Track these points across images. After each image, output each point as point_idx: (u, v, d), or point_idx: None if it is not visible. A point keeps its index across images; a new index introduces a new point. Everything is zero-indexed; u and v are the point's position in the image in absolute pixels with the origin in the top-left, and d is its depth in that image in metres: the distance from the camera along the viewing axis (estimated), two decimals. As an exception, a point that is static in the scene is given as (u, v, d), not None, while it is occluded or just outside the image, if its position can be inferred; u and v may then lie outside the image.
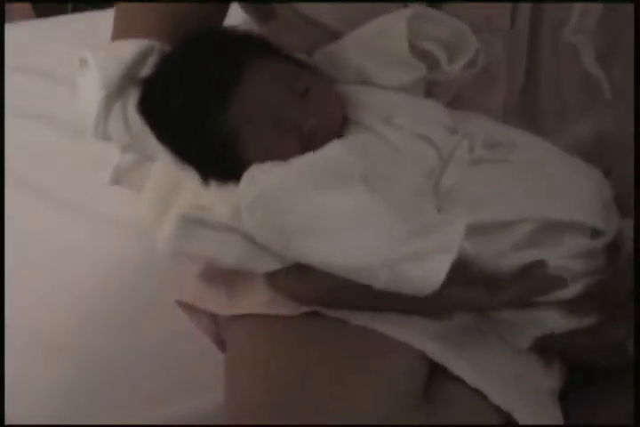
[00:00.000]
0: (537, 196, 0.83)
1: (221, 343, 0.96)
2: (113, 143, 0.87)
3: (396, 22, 0.85)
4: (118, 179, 0.90)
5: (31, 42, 1.57)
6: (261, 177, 0.77)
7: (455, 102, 0.92)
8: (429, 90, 0.90)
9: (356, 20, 0.87)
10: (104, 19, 1.68)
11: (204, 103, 0.80)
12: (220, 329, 0.96)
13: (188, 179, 0.83)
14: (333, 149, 0.79)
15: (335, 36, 0.89)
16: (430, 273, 0.74)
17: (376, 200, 0.77)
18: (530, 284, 0.81)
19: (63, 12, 2.12)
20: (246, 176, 0.79)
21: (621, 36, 0.94)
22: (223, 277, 0.93)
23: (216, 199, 0.81)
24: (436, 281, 0.74)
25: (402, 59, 0.85)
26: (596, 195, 0.88)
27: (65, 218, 1.30)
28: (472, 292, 0.80)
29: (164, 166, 0.86)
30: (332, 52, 0.89)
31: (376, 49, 0.86)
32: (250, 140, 0.80)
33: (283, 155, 0.79)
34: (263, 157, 0.79)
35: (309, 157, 0.78)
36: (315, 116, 0.81)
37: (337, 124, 0.82)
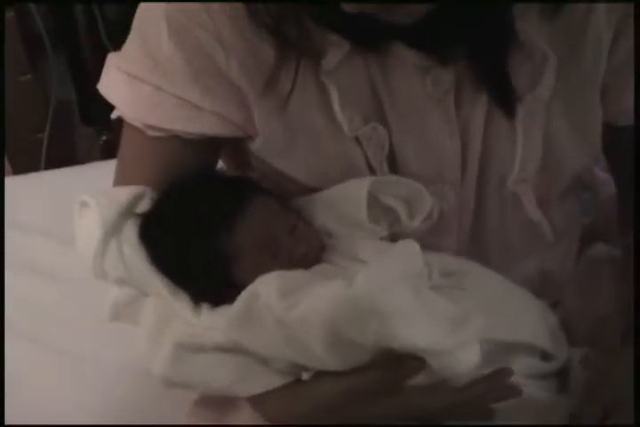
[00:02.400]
0: (487, 319, 0.90)
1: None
2: (109, 279, 0.95)
3: (358, 190, 0.96)
4: (116, 315, 0.97)
5: (9, 198, 1.64)
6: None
7: None
8: (393, 239, 1.00)
9: (325, 176, 0.98)
10: (74, 176, 1.82)
11: (206, 232, 0.91)
12: None
13: (180, 309, 0.91)
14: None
15: (306, 187, 0.99)
16: (471, 358, 0.83)
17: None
18: (491, 386, 0.88)
19: (37, 167, 2.25)
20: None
21: (559, 183, 1.04)
22: (213, 408, 1.00)
23: (210, 321, 0.89)
24: (475, 364, 0.84)
25: (362, 225, 0.97)
26: (543, 320, 0.97)
27: (63, 364, 1.32)
28: (440, 391, 0.88)
29: (156, 299, 0.93)
30: (300, 208, 0.99)
31: (339, 213, 0.97)
32: (247, 267, 0.90)
33: None
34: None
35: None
36: (303, 245, 0.93)
37: (320, 252, 0.93)
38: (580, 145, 1.00)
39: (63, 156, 2.38)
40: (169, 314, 0.92)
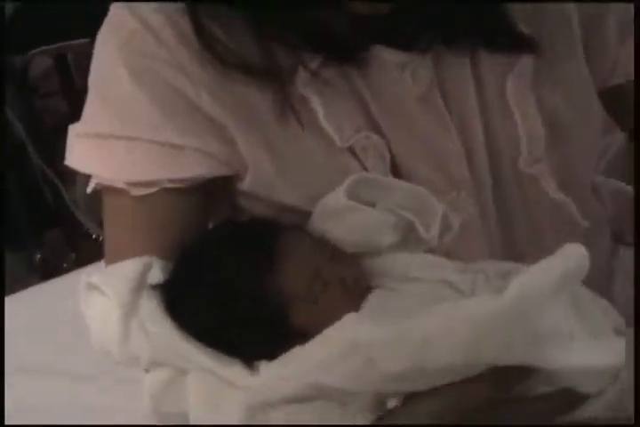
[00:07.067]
0: None
1: None
2: (142, 363, 0.85)
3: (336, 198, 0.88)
4: (157, 406, 0.85)
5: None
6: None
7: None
8: None
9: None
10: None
11: (249, 282, 0.82)
12: None
13: (232, 375, 0.81)
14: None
15: (306, 216, 0.91)
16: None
17: None
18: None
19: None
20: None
21: (574, 161, 1.00)
22: None
23: (272, 375, 0.80)
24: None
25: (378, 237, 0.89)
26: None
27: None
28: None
29: (200, 374, 0.83)
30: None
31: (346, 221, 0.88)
32: (302, 308, 0.82)
33: (335, 311, 0.80)
34: (315, 320, 0.80)
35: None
36: (351, 269, 0.85)
37: (367, 275, 0.86)
38: (581, 116, 0.98)
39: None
40: (220, 384, 0.81)
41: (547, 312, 0.72)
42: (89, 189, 0.94)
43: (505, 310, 0.72)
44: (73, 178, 1.97)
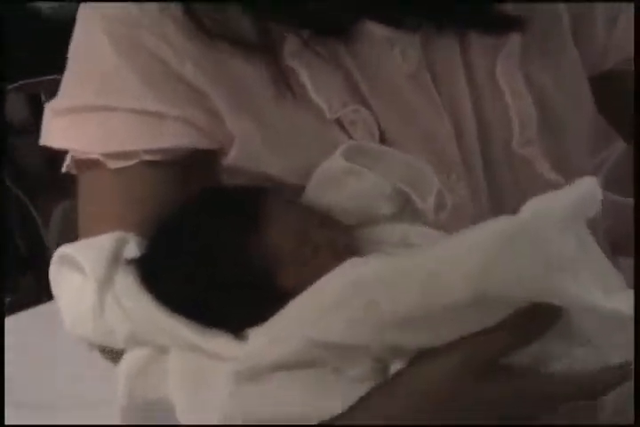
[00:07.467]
0: None
1: None
2: (118, 339, 0.79)
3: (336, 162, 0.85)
4: (132, 389, 0.78)
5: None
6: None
7: None
8: None
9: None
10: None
11: (234, 246, 0.78)
12: None
13: (218, 347, 0.75)
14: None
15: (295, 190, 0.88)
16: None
17: None
18: None
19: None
20: None
21: (567, 144, 0.98)
22: None
23: (263, 340, 0.74)
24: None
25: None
26: None
27: None
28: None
29: (180, 353, 0.77)
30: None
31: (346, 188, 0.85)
32: (290, 274, 0.77)
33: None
34: (305, 283, 0.75)
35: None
36: (341, 234, 0.81)
37: (361, 243, 0.82)
38: (571, 101, 0.97)
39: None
40: (202, 361, 0.75)
41: (558, 240, 0.68)
42: (64, 168, 0.89)
43: (515, 230, 0.68)
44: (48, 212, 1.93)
